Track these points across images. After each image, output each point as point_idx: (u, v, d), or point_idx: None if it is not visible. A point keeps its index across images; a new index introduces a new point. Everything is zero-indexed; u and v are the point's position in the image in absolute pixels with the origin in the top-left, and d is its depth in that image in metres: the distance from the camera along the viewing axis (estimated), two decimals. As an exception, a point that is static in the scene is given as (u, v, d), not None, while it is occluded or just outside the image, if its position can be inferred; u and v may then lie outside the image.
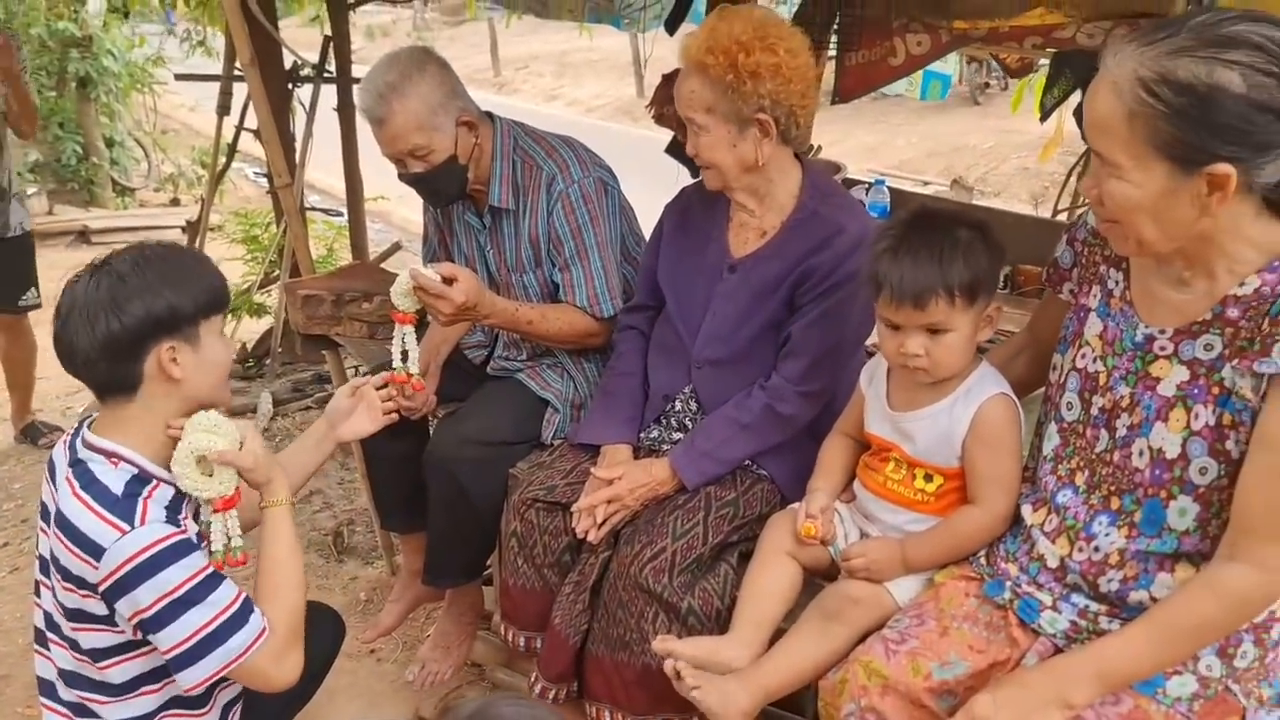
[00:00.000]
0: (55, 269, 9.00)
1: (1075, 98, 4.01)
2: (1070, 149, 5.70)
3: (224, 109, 4.95)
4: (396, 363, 2.23)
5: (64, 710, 1.74)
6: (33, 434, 4.65)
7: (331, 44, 5.08)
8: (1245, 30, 1.32)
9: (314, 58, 4.96)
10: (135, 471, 1.69)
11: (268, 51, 4.29)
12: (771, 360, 2.13)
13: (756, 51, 1.94)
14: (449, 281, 2.19)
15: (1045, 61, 4.34)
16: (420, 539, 2.62)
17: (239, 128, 5.10)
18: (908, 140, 13.35)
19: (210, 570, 1.67)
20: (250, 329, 5.62)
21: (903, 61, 4.01)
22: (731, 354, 2.16)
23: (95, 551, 1.60)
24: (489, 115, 2.51)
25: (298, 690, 2.02)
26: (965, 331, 1.72)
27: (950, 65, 11.43)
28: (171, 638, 1.63)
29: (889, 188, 4.06)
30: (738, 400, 2.12)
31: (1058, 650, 1.58)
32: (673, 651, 1.77)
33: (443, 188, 2.46)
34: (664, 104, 4.18)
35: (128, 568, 1.59)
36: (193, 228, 5.39)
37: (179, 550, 1.63)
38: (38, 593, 1.80)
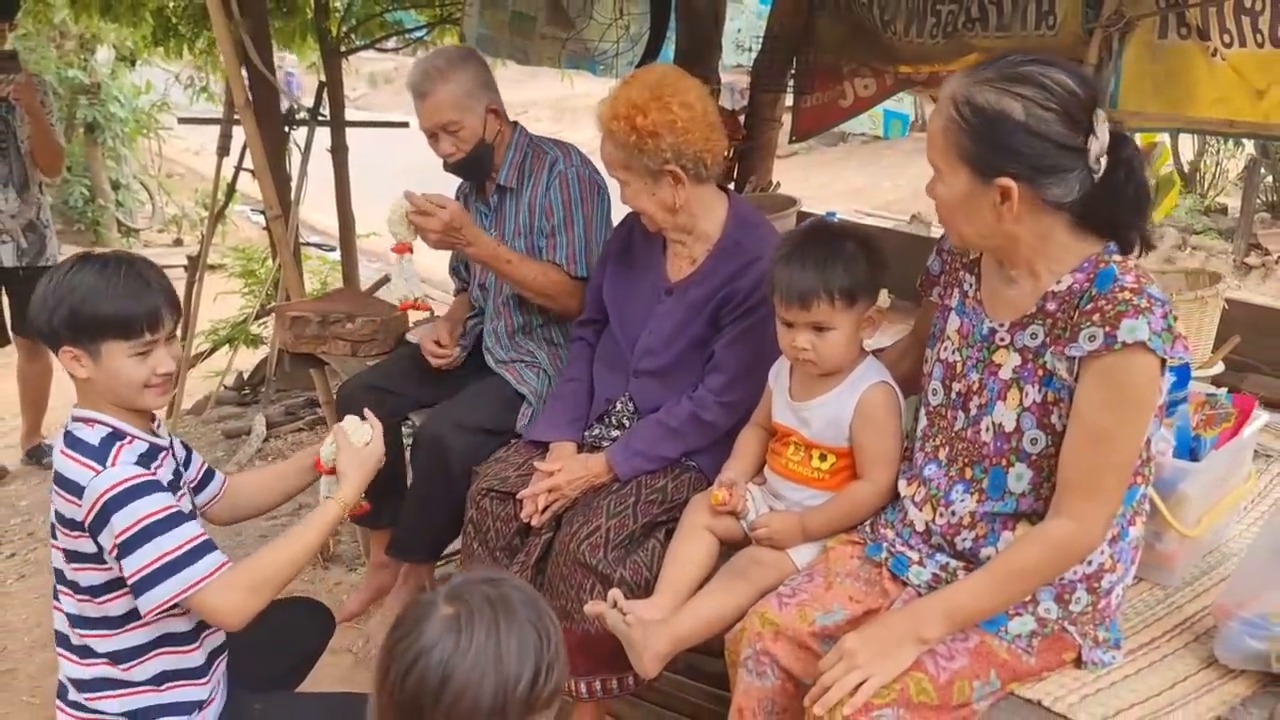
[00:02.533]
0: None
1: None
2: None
3: (224, 150, 5.25)
4: (397, 292, 2.67)
5: (73, 655, 1.95)
6: (38, 455, 4.90)
7: (325, 89, 5.41)
8: (1036, 71, 1.62)
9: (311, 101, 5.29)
10: (109, 430, 1.85)
11: (266, 96, 4.61)
12: (699, 372, 2.40)
13: (652, 112, 2.22)
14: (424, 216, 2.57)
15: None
16: (387, 534, 2.92)
17: (238, 168, 5.39)
18: (894, 182, 13.67)
19: (172, 510, 1.82)
20: (249, 359, 5.90)
21: (852, 103, 4.32)
22: (664, 366, 2.43)
23: (78, 491, 1.78)
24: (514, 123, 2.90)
25: (287, 673, 2.27)
26: (846, 330, 2.00)
27: (907, 105, 11.89)
28: (136, 562, 1.77)
29: (840, 219, 4.34)
30: (668, 407, 2.39)
31: (920, 598, 1.83)
32: (601, 614, 2.02)
33: (477, 166, 2.85)
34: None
35: (103, 500, 1.76)
36: (193, 263, 5.67)
37: (147, 488, 1.79)
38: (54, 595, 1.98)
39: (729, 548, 2.17)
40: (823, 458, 2.09)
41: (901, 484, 1.97)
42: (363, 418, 2.15)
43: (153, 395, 1.90)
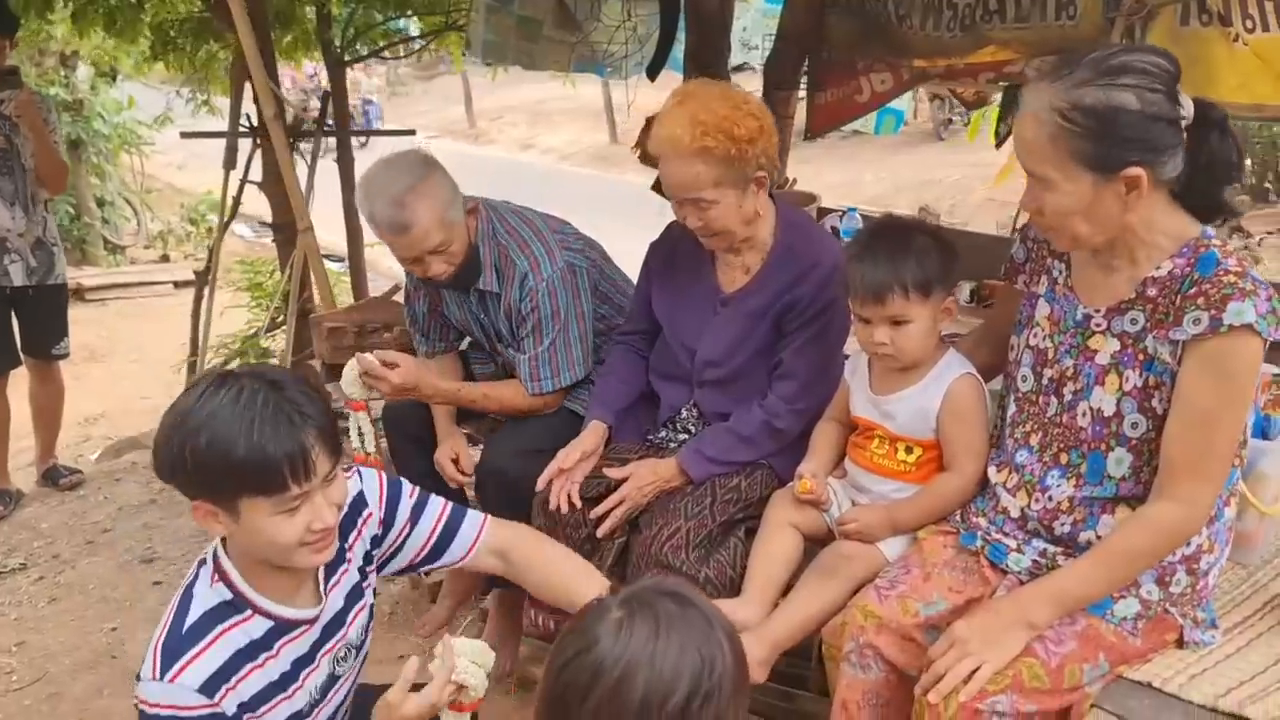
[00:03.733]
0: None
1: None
2: (1023, 173, 6.06)
3: (230, 164, 5.22)
4: (355, 444, 2.50)
5: None
6: (54, 476, 4.86)
7: (330, 99, 5.39)
8: (1132, 60, 1.64)
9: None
10: (230, 597, 1.58)
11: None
12: (764, 378, 2.41)
13: (742, 121, 2.20)
14: (391, 366, 2.49)
15: (999, 96, 4.68)
16: None
17: (244, 180, 5.37)
18: (876, 176, 13.79)
19: None
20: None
21: (869, 98, 4.34)
22: (727, 376, 2.44)
23: (140, 676, 1.55)
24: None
25: None
26: (924, 322, 2.02)
27: (904, 101, 11.94)
28: None
29: (860, 214, 4.37)
30: (739, 415, 2.39)
31: (1022, 585, 1.85)
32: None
33: (471, 274, 2.68)
34: (647, 144, 4.49)
35: (140, 709, 1.54)
36: (200, 278, 5.64)
37: None
38: None
39: (813, 544, 2.18)
40: (909, 450, 2.10)
41: (991, 470, 1.98)
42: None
43: (310, 554, 1.56)
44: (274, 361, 5.73)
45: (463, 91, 19.77)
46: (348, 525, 1.70)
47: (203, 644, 1.53)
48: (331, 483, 1.54)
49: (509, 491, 2.61)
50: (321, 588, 1.68)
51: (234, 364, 5.79)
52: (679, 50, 4.86)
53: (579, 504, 2.37)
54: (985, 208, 11.71)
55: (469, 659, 1.59)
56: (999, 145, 4.52)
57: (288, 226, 5.42)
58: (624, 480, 2.38)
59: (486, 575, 2.87)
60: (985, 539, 1.93)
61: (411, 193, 2.50)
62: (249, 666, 1.57)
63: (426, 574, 2.85)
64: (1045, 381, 1.89)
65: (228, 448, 1.44)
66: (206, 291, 5.46)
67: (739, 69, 6.70)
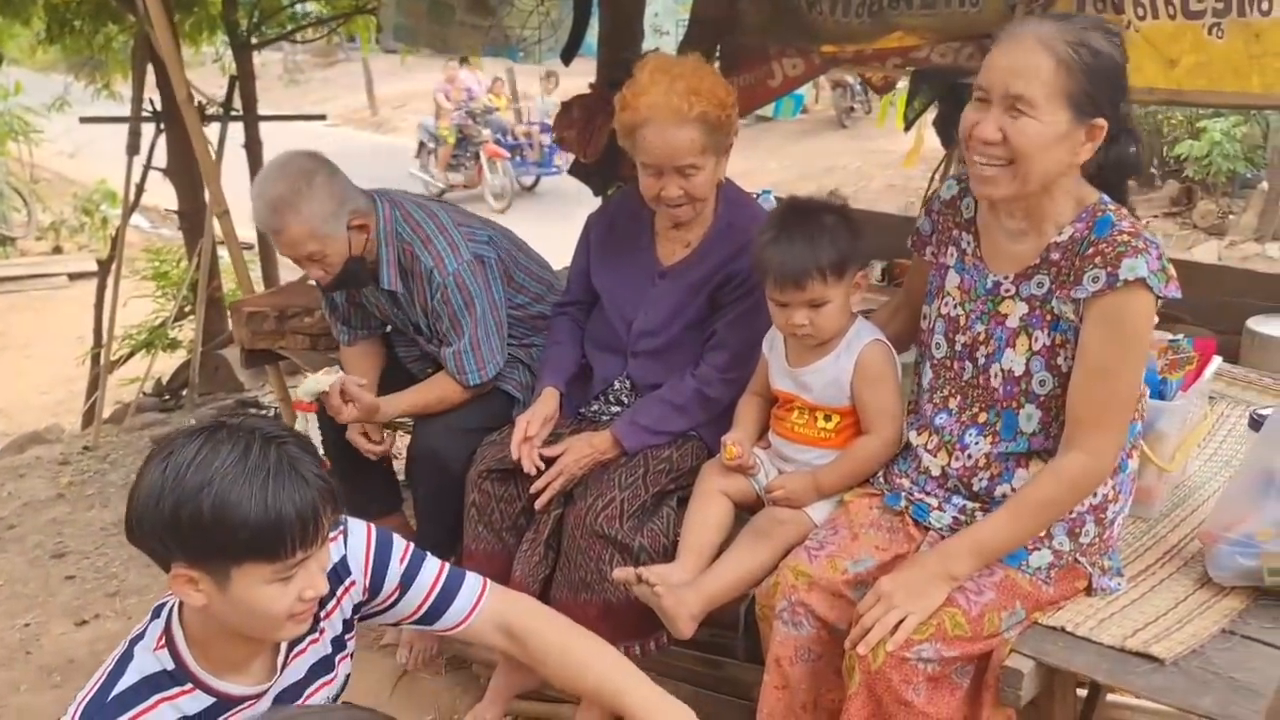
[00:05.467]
0: (-64, 322, 8.74)
1: (932, 111, 4.49)
2: (929, 159, 6.25)
3: (134, 149, 5.08)
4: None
5: None
6: None
7: (237, 83, 5.28)
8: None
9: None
10: (171, 667, 1.46)
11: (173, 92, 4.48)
12: (696, 351, 2.47)
13: (722, 90, 2.30)
14: (347, 399, 2.57)
15: (905, 81, 4.83)
16: (391, 522, 2.93)
17: (147, 166, 5.23)
18: (780, 164, 13.99)
19: None
20: (166, 364, 5.74)
21: (780, 83, 4.43)
22: (661, 347, 2.49)
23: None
24: (370, 195, 2.68)
25: None
26: (839, 300, 2.10)
27: (805, 86, 12.22)
28: None
29: (775, 197, 4.46)
30: (671, 384, 2.45)
31: (944, 540, 1.94)
32: (630, 581, 2.08)
33: (353, 283, 2.71)
34: (564, 129, 4.53)
35: None
36: (103, 267, 5.49)
37: None
38: None
39: (743, 512, 2.25)
40: (827, 418, 2.18)
41: (912, 435, 2.08)
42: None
43: (293, 626, 1.46)
44: (182, 354, 5.63)
45: (364, 79, 19.43)
46: (327, 595, 1.55)
47: (127, 716, 1.42)
48: (324, 548, 1.45)
49: (441, 472, 2.63)
50: (280, 658, 1.56)
51: (140, 355, 5.65)
52: (592, 35, 4.90)
53: (543, 466, 2.41)
54: (886, 194, 12.01)
55: None
56: (908, 128, 4.66)
57: (194, 214, 5.32)
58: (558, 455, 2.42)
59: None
60: (909, 499, 2.02)
61: (286, 201, 2.48)
62: None
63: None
64: (959, 347, 1.99)
65: (238, 511, 1.32)
66: (110, 281, 5.31)
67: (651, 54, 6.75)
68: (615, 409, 2.54)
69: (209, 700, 1.47)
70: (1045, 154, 1.77)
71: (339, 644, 1.64)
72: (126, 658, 1.46)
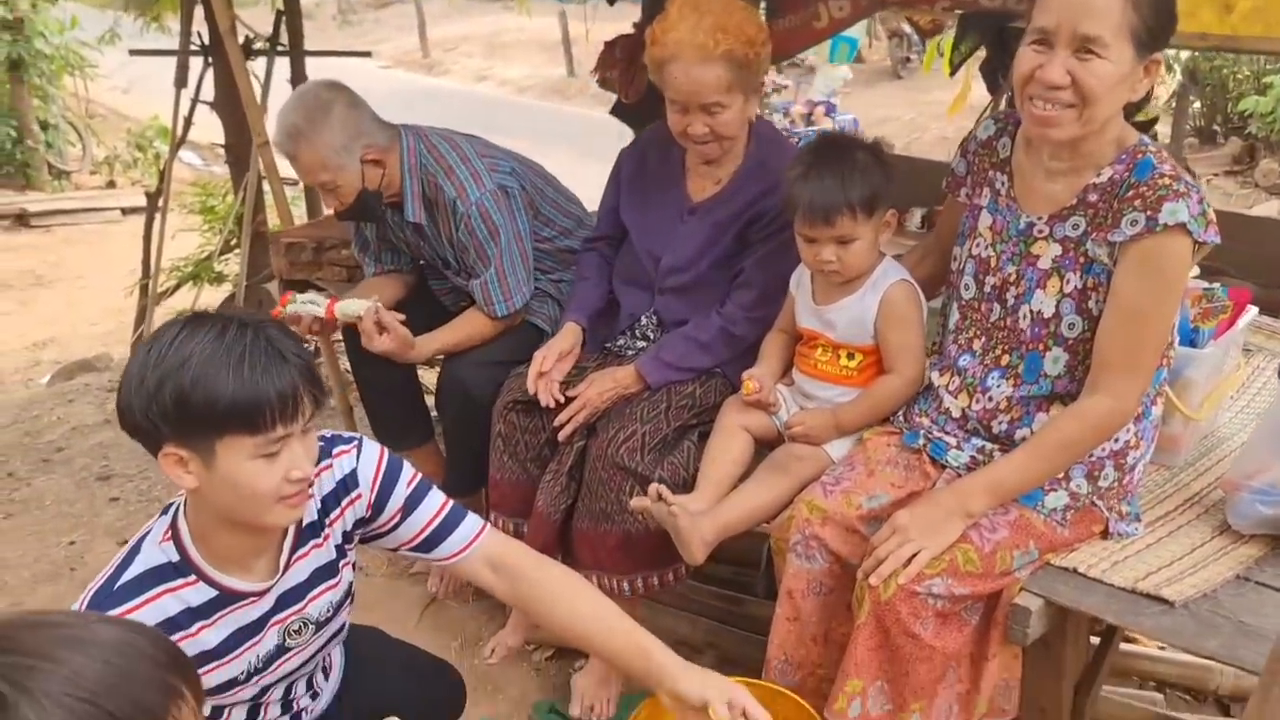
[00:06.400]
0: (-8, 252, 8.93)
1: (980, 54, 4.41)
2: (975, 106, 6.13)
3: (182, 82, 5.12)
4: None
5: None
6: None
7: (284, 18, 5.29)
8: None
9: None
10: (175, 559, 1.50)
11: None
12: (724, 288, 2.48)
13: (752, 27, 2.28)
14: (381, 329, 2.58)
15: (953, 24, 4.73)
16: (425, 452, 3.00)
17: (194, 100, 5.28)
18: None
19: None
20: (212, 297, 5.83)
21: (826, 24, 4.35)
22: (690, 283, 2.50)
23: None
24: (395, 129, 2.70)
25: None
26: (868, 238, 2.09)
27: (858, 30, 11.96)
28: None
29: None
30: (697, 321, 2.46)
31: (960, 479, 1.94)
32: (646, 509, 2.11)
33: (365, 215, 2.75)
34: (606, 69, 4.50)
35: None
36: (151, 200, 5.56)
37: None
38: None
39: (763, 448, 2.26)
40: (850, 356, 2.18)
41: (934, 375, 2.07)
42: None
43: (285, 509, 1.47)
44: (228, 287, 5.71)
45: (416, 21, 19.39)
46: (332, 501, 1.62)
47: (130, 604, 1.44)
48: (308, 434, 1.47)
49: (469, 403, 2.68)
50: (284, 557, 1.59)
51: (187, 287, 5.75)
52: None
53: (562, 398, 2.44)
54: (939, 145, 11.80)
55: None
56: (953, 73, 4.57)
57: (240, 148, 5.36)
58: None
59: (443, 488, 2.92)
60: (927, 437, 2.02)
61: (300, 130, 2.53)
62: (178, 635, 1.47)
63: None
64: (988, 289, 1.97)
65: (216, 382, 1.35)
66: (158, 213, 5.40)
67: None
68: (641, 344, 2.55)
69: (212, 593, 1.50)
70: (1112, 95, 1.74)
71: (341, 551, 1.67)
72: (134, 551, 1.50)
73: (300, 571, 1.61)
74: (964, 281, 2.02)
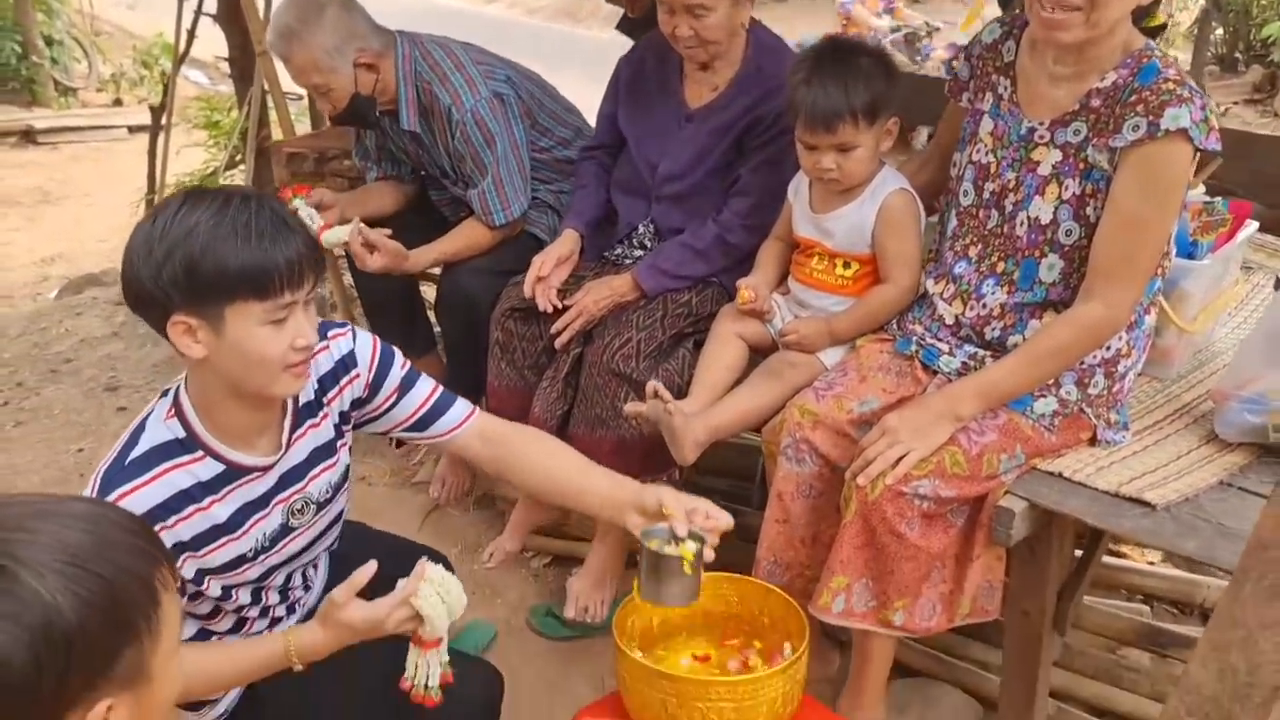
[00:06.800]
0: None
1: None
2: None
3: (185, -8, 5.07)
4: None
5: None
6: None
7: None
8: None
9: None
10: (181, 436, 1.51)
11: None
12: (720, 196, 2.47)
13: None
14: (372, 247, 2.59)
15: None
16: (426, 362, 3.03)
17: (198, 12, 5.22)
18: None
19: None
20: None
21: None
22: (685, 191, 2.50)
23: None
24: (390, 35, 2.69)
25: None
26: (869, 146, 2.08)
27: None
28: None
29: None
30: (693, 230, 2.46)
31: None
32: (640, 413, 2.13)
33: (359, 120, 2.75)
34: (614, -19, 4.43)
35: None
36: (155, 114, 5.53)
37: None
38: None
39: (758, 355, 2.28)
40: (846, 265, 2.19)
41: (929, 283, 2.08)
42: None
43: (290, 378, 1.50)
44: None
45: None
46: (330, 380, 1.65)
47: (143, 479, 1.47)
48: (309, 305, 1.49)
49: (468, 312, 2.70)
50: (285, 435, 1.61)
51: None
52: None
53: (560, 305, 2.46)
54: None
55: (436, 589, 1.51)
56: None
57: (244, 61, 5.32)
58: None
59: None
60: (920, 344, 2.04)
61: (293, 30, 2.54)
62: (191, 508, 1.50)
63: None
64: (986, 195, 1.97)
65: (225, 248, 1.38)
66: (162, 130, 5.37)
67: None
68: (638, 253, 2.56)
69: (219, 467, 1.52)
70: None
71: (339, 431, 1.69)
72: (139, 430, 1.52)
73: (300, 451, 1.64)
74: (963, 188, 2.02)
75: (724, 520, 1.64)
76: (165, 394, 1.56)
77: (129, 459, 1.48)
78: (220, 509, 1.54)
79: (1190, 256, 2.20)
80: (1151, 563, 2.87)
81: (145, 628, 0.98)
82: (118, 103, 10.51)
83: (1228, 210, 2.29)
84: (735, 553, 2.66)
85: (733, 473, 3.04)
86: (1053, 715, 2.21)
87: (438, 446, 1.82)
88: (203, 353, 1.43)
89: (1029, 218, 1.89)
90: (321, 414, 1.66)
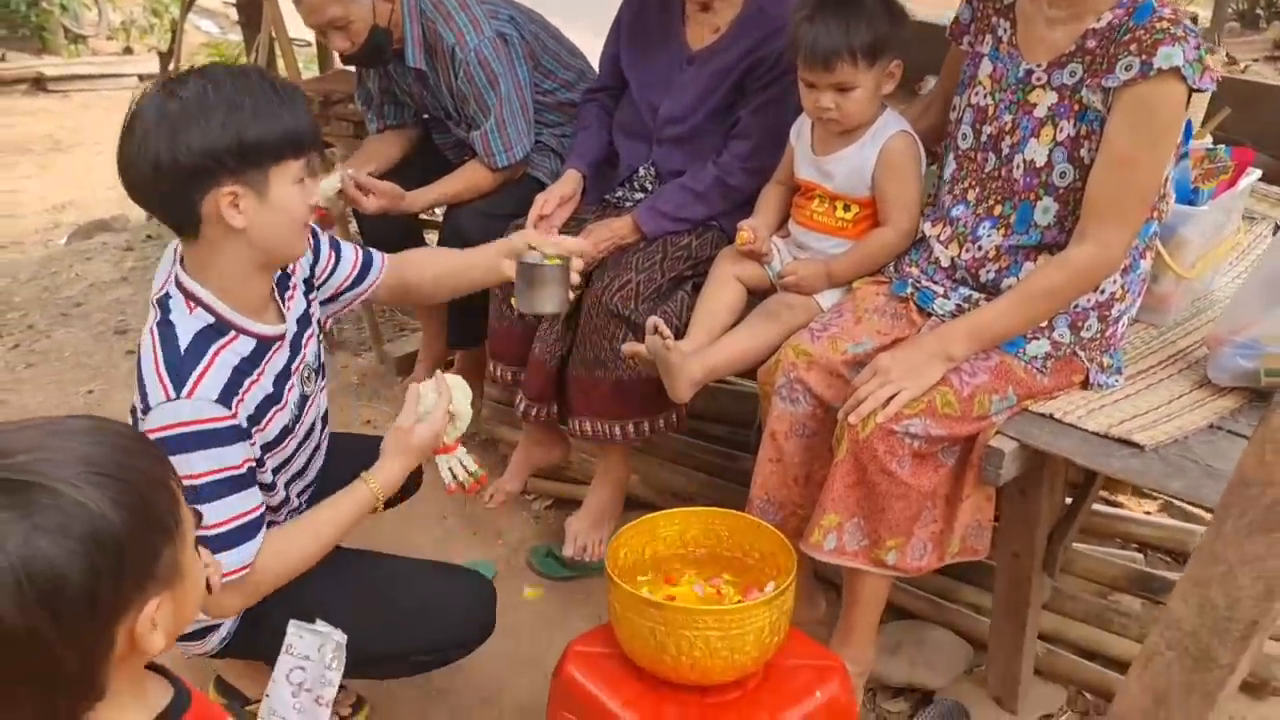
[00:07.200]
0: (10, 116, 9.02)
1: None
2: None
3: (192, -64, 5.04)
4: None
5: None
6: None
7: None
8: None
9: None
10: (211, 321, 1.59)
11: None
12: (721, 138, 2.47)
13: None
14: (366, 191, 2.62)
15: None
16: (430, 307, 3.10)
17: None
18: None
19: (233, 473, 1.56)
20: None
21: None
22: (686, 133, 2.49)
23: (144, 403, 1.55)
24: None
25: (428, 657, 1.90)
26: (869, 87, 2.07)
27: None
28: None
29: None
30: (693, 172, 2.46)
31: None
32: (638, 353, 2.15)
33: (376, 56, 2.72)
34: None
35: (161, 434, 1.50)
36: (164, 59, 5.53)
37: (212, 438, 1.53)
38: None
39: (756, 298, 2.29)
40: (846, 208, 2.19)
41: (926, 225, 2.08)
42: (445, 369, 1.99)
43: (303, 238, 1.66)
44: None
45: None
46: None
47: (204, 364, 1.54)
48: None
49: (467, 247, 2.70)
50: (281, 307, 1.74)
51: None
52: None
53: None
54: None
55: (461, 392, 1.83)
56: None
57: (252, 8, 5.30)
58: None
59: (450, 337, 3.02)
60: (915, 286, 2.04)
61: None
62: (247, 382, 1.60)
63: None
64: (984, 138, 1.96)
65: (268, 112, 1.51)
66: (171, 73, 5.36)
67: None
68: (639, 196, 2.56)
69: (252, 343, 1.63)
70: None
71: (308, 300, 1.84)
72: (168, 328, 1.57)
73: (291, 320, 1.76)
74: (962, 131, 2.01)
75: (577, 243, 2.08)
76: (161, 304, 1.60)
77: (181, 352, 1.55)
78: (265, 380, 1.65)
79: (1190, 204, 2.19)
80: (1148, 512, 2.89)
81: (174, 525, 1.02)
82: (128, 51, 10.49)
83: (1230, 158, 2.28)
84: (734, 496, 2.72)
85: (731, 419, 3.06)
86: (1041, 656, 2.25)
87: (371, 296, 2.02)
88: (243, 223, 1.54)
89: (1024, 160, 1.89)
90: (291, 284, 1.80)
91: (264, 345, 1.66)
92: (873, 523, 1.89)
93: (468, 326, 2.86)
